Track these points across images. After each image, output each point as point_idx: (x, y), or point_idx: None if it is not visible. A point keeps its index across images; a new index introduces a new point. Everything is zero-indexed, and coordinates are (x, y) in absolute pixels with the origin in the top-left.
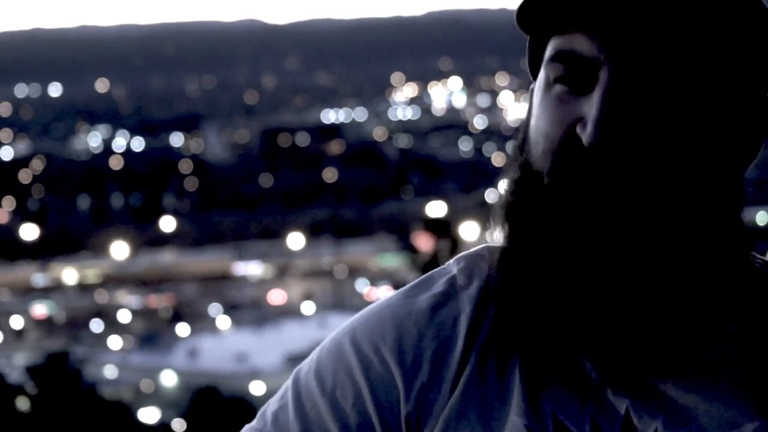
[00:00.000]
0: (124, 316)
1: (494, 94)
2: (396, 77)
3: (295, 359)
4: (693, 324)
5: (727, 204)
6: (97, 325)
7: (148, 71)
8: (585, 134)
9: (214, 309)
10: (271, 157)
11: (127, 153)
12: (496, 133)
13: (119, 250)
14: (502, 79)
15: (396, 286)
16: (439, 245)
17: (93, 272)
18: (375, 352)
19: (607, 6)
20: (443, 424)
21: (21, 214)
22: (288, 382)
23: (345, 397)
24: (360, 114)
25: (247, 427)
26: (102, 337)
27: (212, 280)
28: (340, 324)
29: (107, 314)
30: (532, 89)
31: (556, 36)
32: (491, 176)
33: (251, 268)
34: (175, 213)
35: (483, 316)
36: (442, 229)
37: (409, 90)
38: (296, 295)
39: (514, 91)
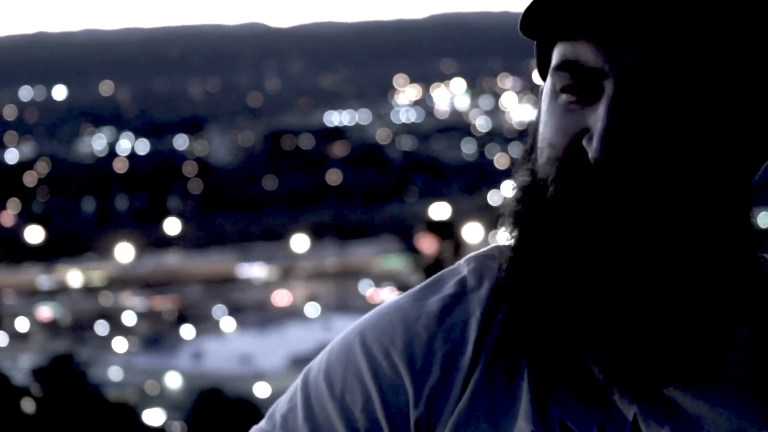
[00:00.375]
0: (128, 318)
1: (497, 95)
2: (399, 80)
3: (299, 361)
4: (701, 331)
5: (736, 211)
6: (102, 327)
7: (152, 74)
8: (591, 149)
9: (219, 311)
10: (275, 160)
11: (132, 155)
12: (499, 135)
13: (124, 252)
14: (504, 80)
15: (400, 288)
16: (443, 247)
17: (98, 274)
18: (385, 356)
19: (611, 15)
20: (452, 429)
21: (26, 217)
22: (297, 383)
23: (354, 401)
24: (363, 116)
25: (255, 428)
26: (107, 339)
27: (217, 282)
28: (344, 326)
29: (112, 316)
30: (542, 90)
31: (562, 42)
32: (494, 178)
33: (255, 270)
34: (179, 215)
35: (492, 319)
36: (446, 231)
37: (412, 92)
38: (300, 296)
39: (517, 93)
